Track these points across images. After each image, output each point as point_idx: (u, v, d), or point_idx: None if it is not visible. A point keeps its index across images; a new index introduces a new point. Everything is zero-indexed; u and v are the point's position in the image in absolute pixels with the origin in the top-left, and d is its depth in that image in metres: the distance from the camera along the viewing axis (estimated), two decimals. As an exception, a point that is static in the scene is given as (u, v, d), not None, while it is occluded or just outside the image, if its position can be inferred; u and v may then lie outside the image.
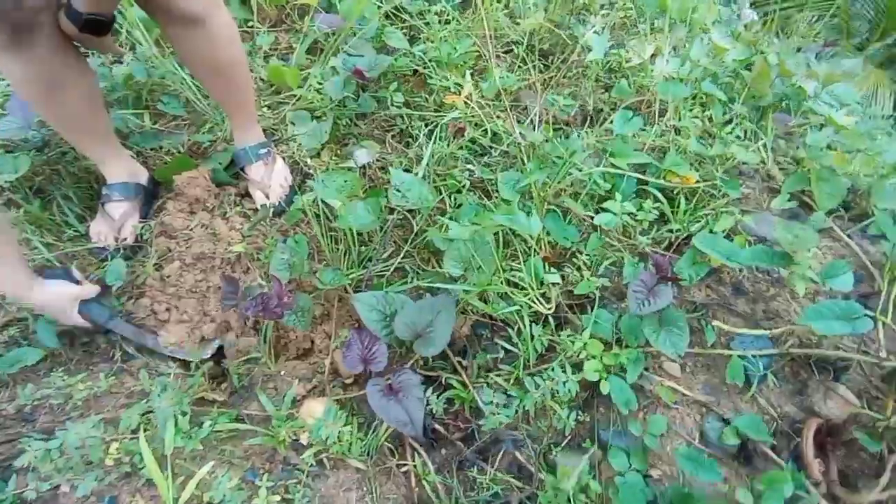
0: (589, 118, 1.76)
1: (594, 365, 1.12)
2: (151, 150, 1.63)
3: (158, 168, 1.54)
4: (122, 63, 1.71)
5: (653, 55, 1.79)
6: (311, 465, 1.03)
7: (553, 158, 1.41)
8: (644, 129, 1.52)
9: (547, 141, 1.42)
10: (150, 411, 1.01)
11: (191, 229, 1.43)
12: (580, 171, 1.38)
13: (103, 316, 1.20)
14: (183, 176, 1.47)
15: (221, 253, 1.38)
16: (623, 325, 1.18)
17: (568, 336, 1.18)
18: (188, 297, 1.33)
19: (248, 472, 1.02)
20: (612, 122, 1.54)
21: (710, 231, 1.28)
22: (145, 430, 0.94)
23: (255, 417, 1.14)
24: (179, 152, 1.62)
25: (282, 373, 1.24)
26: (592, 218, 1.33)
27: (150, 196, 1.53)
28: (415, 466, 1.13)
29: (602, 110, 1.79)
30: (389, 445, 1.14)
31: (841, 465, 0.99)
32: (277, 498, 0.97)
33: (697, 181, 1.42)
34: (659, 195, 1.38)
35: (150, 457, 0.88)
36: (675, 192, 1.41)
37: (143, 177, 1.51)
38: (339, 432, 1.02)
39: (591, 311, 1.26)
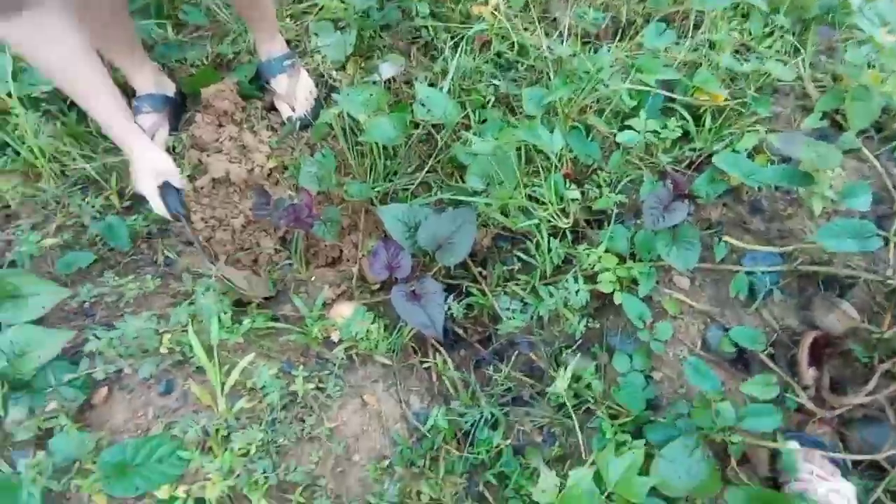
0: (621, 31, 1.70)
1: (608, 276, 1.18)
2: (176, 61, 1.64)
3: (185, 79, 1.57)
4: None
5: (695, -39, 1.68)
6: (342, 359, 1.14)
7: (580, 74, 1.39)
8: (677, 43, 1.47)
9: (574, 55, 1.39)
10: (196, 310, 1.11)
11: (220, 142, 1.47)
12: (606, 87, 1.36)
13: (176, 205, 1.22)
14: (210, 88, 1.49)
15: (250, 165, 1.43)
16: (637, 240, 1.23)
17: (584, 249, 1.23)
18: (221, 208, 1.41)
19: (285, 364, 1.13)
20: (643, 35, 1.49)
21: (734, 150, 1.28)
22: (193, 323, 1.04)
23: (289, 318, 1.24)
24: (204, 64, 1.63)
25: (312, 279, 1.33)
26: (615, 135, 1.33)
27: (179, 108, 1.56)
28: (436, 363, 1.24)
29: (635, 22, 1.72)
30: (413, 345, 1.23)
31: (834, 374, 1.06)
32: (312, 386, 1.08)
33: (727, 99, 1.39)
34: (684, 113, 1.37)
35: (198, 346, 0.99)
36: (701, 111, 1.39)
37: (170, 89, 1.54)
38: (367, 330, 1.11)
39: (608, 226, 1.31)
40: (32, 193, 1.35)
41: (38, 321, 1.07)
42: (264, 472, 0.94)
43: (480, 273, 1.34)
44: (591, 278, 1.21)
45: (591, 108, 1.43)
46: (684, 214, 1.10)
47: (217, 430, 0.98)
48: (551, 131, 1.17)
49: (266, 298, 1.28)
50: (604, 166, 1.37)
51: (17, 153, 1.37)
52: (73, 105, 1.52)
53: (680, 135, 1.33)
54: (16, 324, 1.05)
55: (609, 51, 1.47)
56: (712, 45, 1.50)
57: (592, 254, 1.20)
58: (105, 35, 1.33)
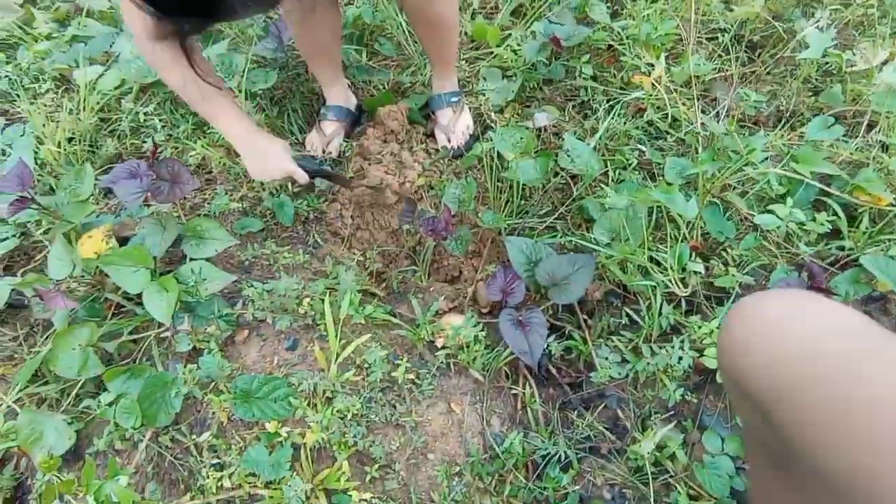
0: (783, 120, 1.68)
1: (714, 352, 1.15)
2: (363, 82, 1.91)
3: (366, 98, 1.82)
4: (353, 5, 2.00)
5: (884, 62, 1.63)
6: (441, 363, 1.23)
7: (729, 152, 1.41)
8: (844, 140, 1.42)
9: (727, 134, 1.41)
10: (332, 287, 1.28)
11: (382, 154, 1.69)
12: (755, 168, 1.36)
13: (312, 163, 1.36)
14: (385, 109, 1.72)
15: (402, 179, 1.62)
16: (758, 326, 1.19)
17: (696, 321, 1.22)
18: (369, 212, 1.60)
19: (391, 354, 1.25)
20: (807, 127, 1.46)
21: (889, 256, 1.20)
22: (328, 296, 1.21)
23: (403, 316, 1.37)
24: (384, 88, 1.88)
25: (431, 289, 1.45)
26: (754, 217, 1.31)
27: (356, 121, 1.82)
28: (523, 392, 1.28)
29: (801, 114, 1.69)
30: (506, 369, 1.29)
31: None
32: (410, 377, 1.18)
33: (891, 204, 1.31)
34: (838, 209, 1.31)
35: (329, 316, 1.15)
36: (857, 210, 1.33)
37: (353, 103, 1.80)
38: (468, 344, 1.19)
39: (727, 304, 1.28)
40: (230, 165, 1.65)
41: (210, 260, 1.31)
42: (354, 437, 1.05)
43: (586, 321, 1.38)
44: (698, 350, 1.19)
45: (733, 187, 1.43)
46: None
47: (324, 391, 1.11)
48: (687, 199, 1.19)
49: (388, 293, 1.43)
50: (735, 246, 1.36)
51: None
52: (275, 103, 1.84)
53: (828, 231, 1.28)
54: (196, 258, 1.29)
55: (766, 136, 1.47)
56: (885, 148, 1.43)
57: (705, 327, 1.18)
58: (320, 54, 1.61)
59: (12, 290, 1.31)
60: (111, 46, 1.90)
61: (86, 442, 1.12)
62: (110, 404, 1.06)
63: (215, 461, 1.08)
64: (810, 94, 1.74)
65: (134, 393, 1.06)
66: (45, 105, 1.76)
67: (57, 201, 1.38)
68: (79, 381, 1.15)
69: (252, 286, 1.22)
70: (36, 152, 1.67)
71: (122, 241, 1.41)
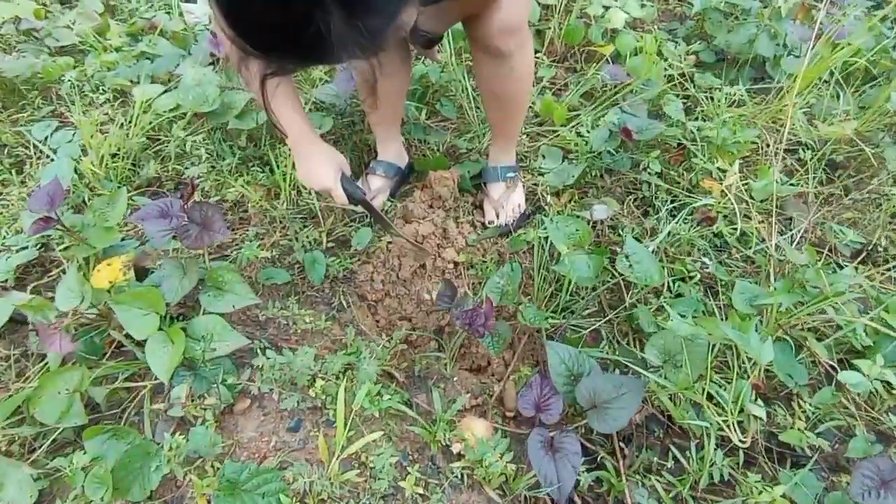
0: (865, 253, 1.53)
1: (778, 530, 0.98)
2: (418, 140, 1.85)
3: (418, 159, 1.75)
4: (423, 63, 1.96)
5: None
6: (455, 476, 1.08)
7: (807, 286, 1.26)
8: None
9: (808, 266, 1.27)
10: (350, 366, 1.16)
11: (426, 220, 1.60)
12: (836, 310, 1.21)
13: (358, 192, 1.27)
14: (437, 173, 1.64)
15: (444, 252, 1.52)
16: (829, 502, 1.01)
17: (756, 481, 1.05)
18: (400, 281, 1.49)
19: (401, 456, 1.11)
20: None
21: None
22: (344, 380, 1.09)
23: (419, 407, 1.23)
24: (438, 150, 1.81)
25: (454, 378, 1.32)
26: (835, 370, 1.16)
27: (404, 179, 1.74)
28: (542, 526, 1.12)
29: (886, 250, 1.54)
30: (527, 493, 1.14)
31: None
32: (420, 490, 1.04)
33: None
34: (931, 377, 1.14)
35: (341, 406, 1.02)
36: (955, 382, 1.16)
37: (404, 161, 1.72)
38: (490, 461, 1.05)
39: (789, 464, 1.12)
40: (266, 208, 1.57)
41: (224, 315, 1.21)
42: (343, 560, 0.91)
43: (622, 449, 1.22)
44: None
45: (807, 326, 1.27)
46: (908, 504, 0.89)
47: (320, 491, 0.98)
48: (763, 340, 1.05)
49: (407, 377, 1.30)
50: (803, 393, 1.20)
51: (272, 171, 1.62)
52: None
53: (920, 401, 1.11)
54: (210, 311, 1.19)
55: (853, 274, 1.32)
56: None
57: (767, 492, 1.02)
58: (382, 107, 1.55)
59: (14, 308, 1.22)
60: (176, 68, 1.89)
61: (49, 502, 1.00)
62: (83, 469, 0.95)
63: (184, 553, 0.95)
64: (894, 228, 1.60)
65: (111, 458, 0.95)
66: (98, 116, 1.73)
67: (84, 222, 1.32)
68: (57, 428, 1.04)
69: (265, 355, 1.11)
70: (77, 162, 1.63)
71: (141, 273, 1.33)
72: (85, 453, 0.96)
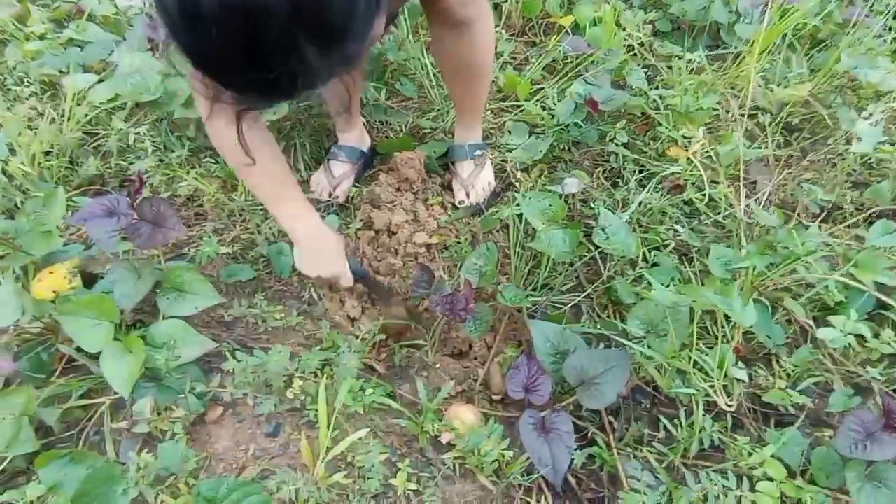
0: (824, 212, 1.57)
1: (770, 489, 0.99)
2: (378, 121, 1.77)
3: (381, 141, 1.67)
4: (379, 42, 1.87)
5: (932, 160, 1.54)
6: (448, 467, 1.05)
7: (779, 248, 1.28)
8: (902, 247, 1.30)
9: (778, 227, 1.28)
10: (328, 362, 1.10)
11: (394, 204, 1.53)
12: (807, 270, 1.23)
13: (360, 268, 1.25)
14: (403, 155, 1.57)
15: (415, 236, 1.46)
16: (816, 457, 1.03)
17: (745, 443, 1.06)
18: (371, 270, 1.43)
19: (389, 450, 1.07)
20: (861, 225, 1.35)
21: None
22: (324, 377, 1.02)
23: (404, 398, 1.19)
24: (402, 130, 1.74)
25: (437, 366, 1.28)
26: (810, 326, 1.18)
27: (368, 163, 1.67)
28: (537, 508, 1.10)
29: (842, 208, 1.58)
30: (520, 480, 1.11)
31: None
32: (413, 486, 0.99)
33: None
34: (902, 326, 1.18)
35: (324, 405, 0.96)
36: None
37: (367, 144, 1.65)
38: (483, 449, 1.02)
39: (773, 423, 1.13)
40: (223, 201, 1.47)
41: (187, 319, 1.12)
42: (338, 568, 0.86)
43: (611, 424, 1.21)
44: (742, 478, 1.03)
45: (780, 287, 1.29)
46: (894, 453, 0.91)
47: (307, 498, 0.92)
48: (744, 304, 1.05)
49: (388, 368, 1.25)
50: (783, 356, 1.21)
51: (225, 163, 1.52)
52: (284, 135, 1.67)
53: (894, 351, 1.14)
54: (170, 315, 1.10)
55: (819, 233, 1.34)
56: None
57: (756, 454, 1.02)
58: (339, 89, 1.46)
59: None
60: (110, 55, 1.74)
61: (3, 539, 0.91)
62: (39, 499, 0.86)
63: (162, 579, 0.87)
64: (851, 186, 1.65)
65: (69, 486, 0.86)
66: (25, 111, 1.57)
67: (17, 227, 1.19)
68: (5, 457, 0.94)
69: (235, 357, 1.03)
70: (5, 163, 1.48)
71: (89, 279, 1.22)
72: (39, 483, 0.87)
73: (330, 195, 1.56)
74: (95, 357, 1.04)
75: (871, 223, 1.50)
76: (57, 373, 1.11)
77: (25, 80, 1.73)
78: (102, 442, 1.00)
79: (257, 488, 0.87)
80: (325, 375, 1.04)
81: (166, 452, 0.90)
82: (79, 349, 1.06)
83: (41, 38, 1.85)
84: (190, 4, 0.51)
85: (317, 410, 1.01)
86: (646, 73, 1.82)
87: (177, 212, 1.20)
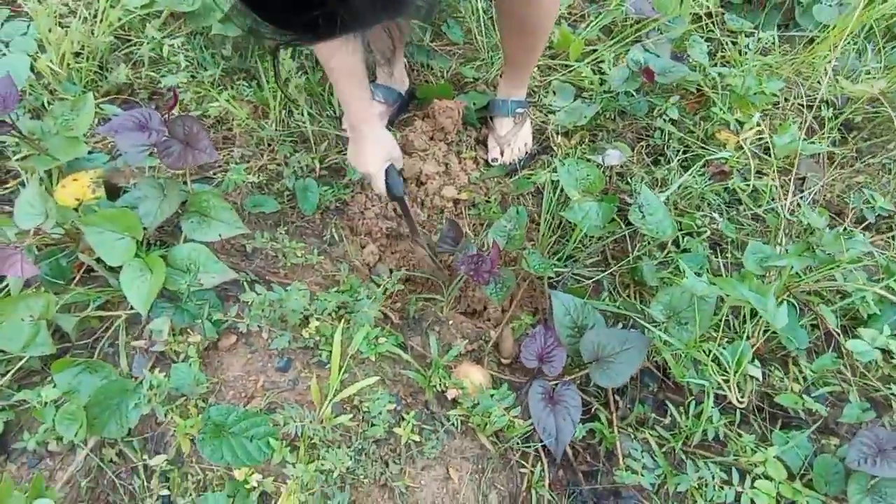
0: (870, 220, 1.50)
1: (768, 488, 0.99)
2: (420, 64, 1.69)
3: (421, 86, 1.61)
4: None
5: None
6: (452, 423, 1.05)
7: (818, 250, 1.23)
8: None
9: (825, 229, 1.23)
10: (344, 305, 1.09)
11: (426, 153, 1.49)
12: (845, 278, 1.18)
13: (399, 188, 1.23)
14: (441, 102, 1.51)
15: (444, 189, 1.42)
16: (819, 464, 1.02)
17: (749, 441, 1.05)
18: (394, 218, 1.40)
19: (395, 399, 1.07)
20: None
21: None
22: (341, 322, 1.02)
23: (415, 351, 1.18)
24: (443, 77, 1.67)
25: (450, 322, 1.27)
26: (839, 334, 1.15)
27: (403, 106, 1.61)
28: (531, 472, 1.11)
29: (890, 217, 1.51)
30: (519, 445, 1.12)
31: None
32: (417, 438, 1.00)
33: None
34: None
35: (338, 350, 0.96)
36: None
37: (405, 87, 1.58)
38: (494, 411, 1.02)
39: (779, 424, 1.13)
40: (253, 128, 1.43)
41: (207, 245, 1.11)
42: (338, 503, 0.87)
43: (616, 402, 1.21)
44: (743, 473, 1.03)
45: (812, 290, 1.25)
46: (905, 475, 0.89)
47: (311, 435, 0.93)
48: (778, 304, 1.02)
49: (402, 317, 1.24)
50: (802, 360, 1.19)
51: (260, 87, 1.47)
52: (321, 68, 1.61)
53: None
54: (193, 239, 1.09)
55: (865, 241, 1.29)
56: None
57: (760, 452, 1.02)
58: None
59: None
60: (147, -43, 1.66)
61: (14, 434, 0.93)
62: (53, 402, 0.87)
63: (164, 492, 0.90)
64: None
65: (83, 393, 0.87)
66: (57, 6, 1.52)
67: (44, 129, 1.17)
68: (22, 356, 0.96)
69: (254, 290, 1.02)
70: (34, 59, 1.44)
71: (112, 191, 1.21)
72: (54, 386, 0.88)
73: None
74: (115, 270, 1.04)
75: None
76: (74, 281, 1.11)
77: (60, -28, 1.66)
78: (116, 354, 1.01)
79: (265, 420, 0.88)
80: (342, 319, 1.03)
81: (179, 374, 0.91)
82: (99, 260, 1.06)
83: (79, -71, 1.76)
84: None
85: (329, 352, 1.01)
86: (708, 47, 1.71)
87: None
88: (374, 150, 1.19)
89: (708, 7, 1.78)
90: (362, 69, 1.18)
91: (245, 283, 1.07)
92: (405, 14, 0.55)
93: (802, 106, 1.68)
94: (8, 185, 1.28)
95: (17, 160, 1.24)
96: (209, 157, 1.01)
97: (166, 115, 1.01)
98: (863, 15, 1.59)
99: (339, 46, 1.02)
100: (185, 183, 1.16)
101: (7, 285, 1.02)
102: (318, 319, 1.02)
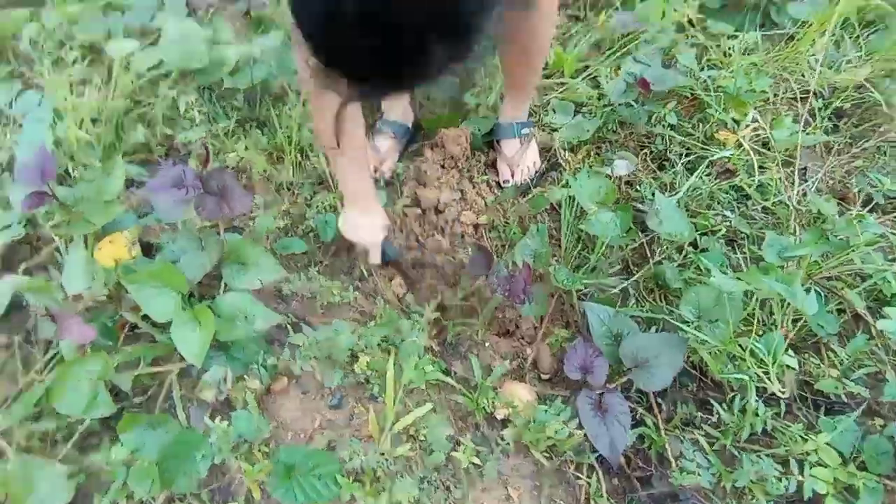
0: (875, 201, 1.55)
1: (824, 475, 1.01)
2: (421, 96, 1.75)
3: (427, 118, 1.66)
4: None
5: None
6: (507, 442, 1.07)
7: (831, 236, 1.27)
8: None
9: (837, 216, 1.28)
10: (386, 338, 1.12)
11: (441, 182, 1.53)
12: (863, 261, 1.23)
13: (396, 251, 1.30)
14: (449, 131, 1.56)
15: (463, 215, 1.46)
16: (869, 446, 1.05)
17: (799, 431, 1.07)
18: (417, 247, 1.44)
19: (447, 423, 1.09)
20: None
21: None
22: (392, 355, 1.04)
23: (458, 376, 1.21)
24: (444, 105, 1.72)
25: (486, 344, 1.29)
26: (865, 317, 1.18)
27: (412, 139, 1.66)
28: (588, 483, 1.13)
29: (893, 198, 1.56)
30: (572, 457, 1.13)
31: None
32: (476, 461, 1.02)
33: None
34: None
35: (391, 382, 0.98)
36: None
37: (410, 119, 1.63)
38: (541, 425, 1.04)
39: (823, 411, 1.15)
40: (271, 174, 1.47)
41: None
42: (410, 535, 0.89)
43: (659, 405, 1.23)
44: (797, 463, 1.05)
45: (839, 278, 1.29)
46: (953, 445, 0.92)
47: (374, 468, 0.95)
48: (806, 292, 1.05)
49: (440, 345, 1.26)
50: (835, 345, 1.22)
51: (273, 134, 1.51)
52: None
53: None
54: (234, 288, 1.12)
55: (875, 223, 1.34)
56: None
57: (811, 441, 1.04)
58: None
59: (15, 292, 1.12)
60: (151, 20, 1.72)
61: (86, 498, 0.94)
62: (123, 462, 0.88)
63: (239, 541, 0.91)
64: (900, 174, 1.63)
65: (150, 449, 0.88)
66: (71, 76, 1.56)
67: (76, 195, 1.20)
68: (84, 419, 0.97)
69: (302, 332, 1.05)
70: (52, 128, 1.48)
71: (145, 248, 1.24)
72: (122, 446, 0.90)
73: (376, 170, 1.56)
74: (160, 325, 1.07)
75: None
76: (120, 341, 1.13)
77: (67, 44, 1.71)
78: (172, 407, 1.02)
79: (332, 457, 0.90)
80: (392, 353, 1.05)
81: (241, 421, 0.92)
82: (144, 317, 1.08)
83: (79, 0, 1.82)
84: (334, 8, 0.52)
85: (379, 385, 1.03)
86: (695, 52, 1.78)
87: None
88: (373, 222, 1.25)
89: (688, 15, 1.86)
90: (366, 159, 1.25)
91: (289, 326, 1.09)
92: (470, 59, 0.59)
93: (793, 99, 1.75)
94: (41, 253, 1.30)
95: (51, 227, 1.27)
96: (244, 206, 1.04)
97: (202, 170, 1.04)
98: (835, 7, 1.66)
99: (349, 140, 1.09)
100: (217, 233, 1.19)
101: (58, 351, 1.04)
102: (366, 354, 1.04)
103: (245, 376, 1.01)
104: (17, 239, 1.29)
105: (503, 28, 1.19)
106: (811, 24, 1.69)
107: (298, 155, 1.50)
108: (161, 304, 1.01)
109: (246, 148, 1.45)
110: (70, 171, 1.42)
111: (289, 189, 1.47)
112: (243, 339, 1.03)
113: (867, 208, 1.54)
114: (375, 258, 1.28)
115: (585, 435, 1.07)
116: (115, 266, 1.16)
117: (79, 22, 1.72)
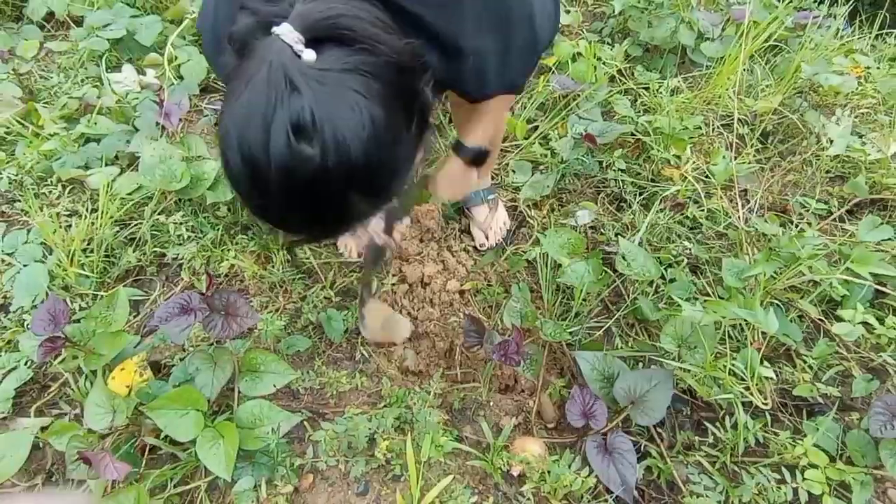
0: (809, 210, 1.72)
1: (817, 476, 1.10)
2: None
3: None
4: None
5: (896, 154, 1.71)
6: (527, 498, 1.14)
7: (780, 251, 1.41)
8: (890, 240, 1.45)
9: (781, 234, 1.42)
10: (399, 418, 1.19)
11: (422, 256, 1.63)
12: (811, 271, 1.36)
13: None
14: (422, 207, 1.68)
15: (448, 284, 1.56)
16: (851, 441, 1.15)
17: (787, 437, 1.17)
18: (415, 313, 1.53)
19: (469, 490, 1.15)
20: (858, 227, 1.49)
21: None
22: (409, 435, 1.11)
23: (469, 440, 1.27)
24: (412, 182, 1.84)
25: (490, 403, 1.37)
26: (823, 322, 1.31)
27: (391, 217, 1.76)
28: (608, 524, 1.19)
29: (827, 203, 1.73)
30: (590, 500, 1.20)
31: None
32: (504, 523, 1.08)
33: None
34: (901, 311, 1.32)
35: (412, 461, 1.05)
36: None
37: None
38: (558, 477, 1.11)
39: (804, 414, 1.25)
40: (263, 275, 1.55)
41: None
42: None
43: (659, 434, 1.32)
44: (791, 469, 1.14)
45: (794, 289, 1.42)
46: (919, 429, 1.03)
47: (410, 549, 1.00)
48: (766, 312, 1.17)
49: (448, 413, 1.34)
50: (802, 350, 1.34)
51: (259, 236, 1.60)
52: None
53: (897, 335, 1.28)
54: (249, 396, 1.18)
55: (815, 235, 1.49)
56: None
57: (799, 446, 1.14)
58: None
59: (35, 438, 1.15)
60: (127, 145, 1.81)
61: None
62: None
63: None
64: (828, 181, 1.81)
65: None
66: (58, 212, 1.64)
67: (83, 330, 1.25)
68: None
69: (322, 427, 1.11)
70: (42, 262, 1.54)
71: (154, 368, 1.29)
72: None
73: (359, 255, 1.65)
74: (180, 444, 1.12)
75: (850, 212, 1.67)
76: (142, 463, 1.17)
77: (47, 179, 1.79)
78: (207, 526, 1.06)
79: (369, 547, 0.95)
80: (408, 433, 1.12)
81: (278, 527, 0.97)
82: (164, 439, 1.13)
83: (53, 136, 1.91)
84: (255, 170, 0.58)
85: (401, 464, 1.10)
86: (629, 99, 1.96)
87: (246, 299, 1.28)
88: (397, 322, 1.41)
89: (617, 66, 2.06)
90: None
91: (306, 423, 1.15)
92: (398, 197, 0.69)
93: (724, 125, 1.93)
94: (51, 390, 1.34)
95: (59, 364, 1.31)
96: (252, 321, 1.12)
97: (209, 294, 1.12)
98: (745, 48, 1.88)
99: None
100: (226, 346, 1.26)
101: (87, 488, 1.07)
102: (384, 438, 1.11)
103: (274, 482, 1.06)
104: (25, 380, 1.33)
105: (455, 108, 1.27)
106: (724, 61, 1.89)
107: (285, 251, 1.59)
108: (184, 426, 1.07)
109: (235, 256, 1.53)
110: (68, 302, 1.47)
111: (281, 286, 1.54)
112: (267, 445, 1.08)
113: (804, 218, 1.70)
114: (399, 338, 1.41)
115: (597, 477, 1.15)
116: (129, 392, 1.21)
117: (56, 158, 1.80)
